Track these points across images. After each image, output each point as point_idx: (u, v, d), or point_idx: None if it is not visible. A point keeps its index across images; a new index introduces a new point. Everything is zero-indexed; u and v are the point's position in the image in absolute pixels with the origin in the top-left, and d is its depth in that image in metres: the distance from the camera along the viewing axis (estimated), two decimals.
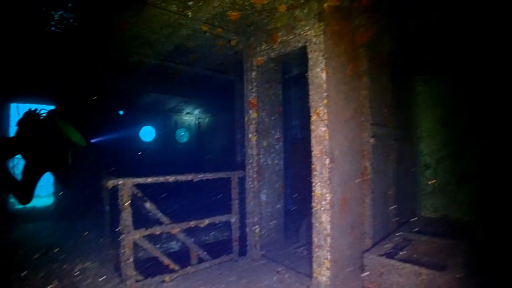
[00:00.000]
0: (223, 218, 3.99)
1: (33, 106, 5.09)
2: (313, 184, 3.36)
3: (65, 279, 3.57)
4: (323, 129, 3.17)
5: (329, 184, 3.26)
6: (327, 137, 3.17)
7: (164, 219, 3.59)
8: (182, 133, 9.74)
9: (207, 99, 8.51)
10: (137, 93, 7.73)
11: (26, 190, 4.34)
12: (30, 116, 4.95)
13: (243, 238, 4.32)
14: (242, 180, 4.36)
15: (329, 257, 3.31)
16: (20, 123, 4.84)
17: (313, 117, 3.27)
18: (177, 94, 7.87)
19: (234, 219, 4.11)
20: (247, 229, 4.27)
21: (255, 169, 4.27)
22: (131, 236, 3.13)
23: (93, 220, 6.32)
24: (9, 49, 4.59)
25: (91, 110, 6.39)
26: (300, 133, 6.76)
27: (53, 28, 3.89)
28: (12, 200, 5.65)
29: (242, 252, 4.30)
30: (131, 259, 3.13)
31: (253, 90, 4.31)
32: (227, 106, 8.30)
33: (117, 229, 3.22)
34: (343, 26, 3.39)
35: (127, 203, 3.12)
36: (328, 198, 3.26)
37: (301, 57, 3.74)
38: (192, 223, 3.61)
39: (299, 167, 6.20)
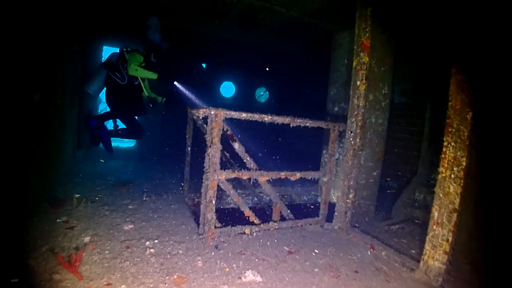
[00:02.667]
0: (315, 174, 3.39)
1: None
2: (445, 144, 2.55)
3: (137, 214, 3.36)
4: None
5: (468, 144, 2.42)
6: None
7: (252, 164, 3.10)
8: (262, 93, 9.17)
9: (294, 54, 7.71)
10: (222, 43, 7.31)
11: (135, 128, 5.09)
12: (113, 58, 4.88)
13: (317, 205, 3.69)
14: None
15: (450, 238, 2.54)
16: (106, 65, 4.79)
17: None
18: (264, 45, 7.24)
19: (327, 177, 3.48)
20: (339, 193, 3.61)
21: (359, 124, 3.52)
22: (217, 176, 2.69)
23: (172, 163, 6.27)
24: None
25: (174, 57, 6.06)
26: (398, 98, 5.72)
27: None
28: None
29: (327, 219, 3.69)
30: (213, 201, 2.72)
31: (367, 29, 3.48)
32: (313, 62, 7.50)
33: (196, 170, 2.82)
34: None
35: (216, 138, 2.66)
36: (464, 163, 2.44)
37: None
38: (283, 174, 3.07)
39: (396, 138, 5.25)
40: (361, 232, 3.51)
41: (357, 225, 3.78)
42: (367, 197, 4.10)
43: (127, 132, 5.20)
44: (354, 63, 3.69)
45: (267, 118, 2.91)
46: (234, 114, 2.74)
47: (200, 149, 4.72)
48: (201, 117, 2.71)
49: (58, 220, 2.98)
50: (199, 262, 2.46)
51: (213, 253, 2.63)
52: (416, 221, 4.17)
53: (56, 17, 3.46)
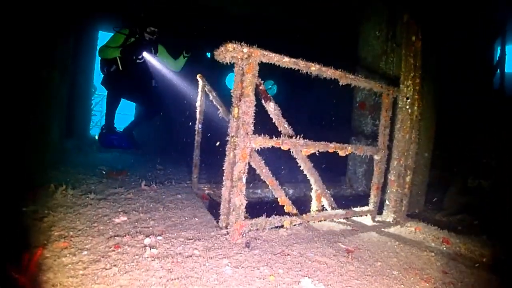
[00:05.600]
0: (368, 150, 2.51)
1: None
2: None
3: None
4: None
5: None
6: None
7: (291, 132, 2.21)
8: (270, 86, 8.24)
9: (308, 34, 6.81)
10: (229, 25, 6.46)
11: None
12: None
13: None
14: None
15: None
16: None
17: None
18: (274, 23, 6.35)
19: (380, 155, 2.59)
20: (391, 175, 2.73)
21: (417, 88, 2.67)
22: (249, 142, 1.79)
23: (175, 157, 5.37)
24: None
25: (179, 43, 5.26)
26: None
27: None
28: None
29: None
30: (243, 179, 1.82)
31: None
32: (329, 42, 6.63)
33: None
34: None
35: (250, 88, 1.78)
36: None
37: None
38: (332, 146, 2.18)
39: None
40: (424, 223, 2.62)
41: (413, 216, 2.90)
42: (418, 184, 3.22)
43: (142, 115, 5.04)
44: (405, 18, 2.85)
45: (314, 67, 2.04)
46: (274, 57, 1.86)
47: (212, 130, 4.02)
48: (227, 59, 1.82)
49: (23, 209, 2.06)
50: (227, 267, 1.55)
51: (244, 254, 1.71)
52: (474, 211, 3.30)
53: None
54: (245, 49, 1.77)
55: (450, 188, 3.51)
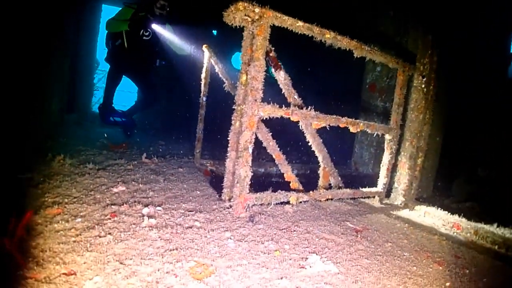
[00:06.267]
0: (380, 128, 2.36)
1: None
2: None
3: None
4: None
5: None
6: None
7: (301, 104, 2.07)
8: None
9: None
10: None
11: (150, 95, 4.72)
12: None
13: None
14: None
15: None
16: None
17: None
18: None
19: (392, 134, 2.45)
20: (402, 157, 2.59)
21: (434, 66, 2.51)
22: (257, 110, 1.66)
23: (177, 134, 5.25)
24: None
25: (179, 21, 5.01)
26: None
27: None
28: None
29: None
30: (249, 149, 1.69)
31: None
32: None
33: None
34: None
35: (261, 51, 1.62)
36: None
37: None
38: (344, 121, 2.04)
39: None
40: (434, 207, 2.50)
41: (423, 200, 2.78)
42: (427, 168, 3.09)
43: (139, 104, 4.90)
44: None
45: (328, 35, 1.87)
46: (287, 20, 1.70)
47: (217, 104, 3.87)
48: (237, 20, 1.66)
49: (19, 176, 1.95)
50: (229, 240, 1.44)
51: (248, 228, 1.61)
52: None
53: None
54: (257, 9, 1.61)
55: (459, 176, 3.38)
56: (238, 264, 1.26)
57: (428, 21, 3.04)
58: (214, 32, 7.33)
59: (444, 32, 2.90)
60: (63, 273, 1.05)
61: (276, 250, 1.41)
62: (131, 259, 1.18)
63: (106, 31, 4.42)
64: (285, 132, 3.22)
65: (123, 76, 4.62)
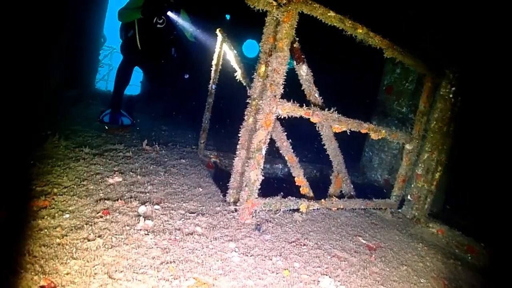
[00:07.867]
0: (401, 137, 2.17)
1: None
2: None
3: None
4: None
5: None
6: None
7: (321, 102, 1.88)
8: (290, 60, 7.71)
9: None
10: None
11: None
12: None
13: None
14: None
15: None
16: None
17: None
18: None
19: (413, 144, 2.27)
20: (419, 170, 2.42)
21: (464, 76, 2.31)
22: (276, 107, 1.47)
23: (183, 122, 5.07)
24: None
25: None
26: None
27: None
28: None
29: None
30: (263, 150, 1.51)
31: None
32: None
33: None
34: None
35: (286, 40, 1.43)
36: None
37: None
38: (366, 127, 1.84)
39: None
40: (447, 226, 2.34)
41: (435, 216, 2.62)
42: (441, 182, 2.92)
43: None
44: None
45: (361, 30, 1.67)
46: (318, 8, 1.50)
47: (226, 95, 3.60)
48: (261, 4, 1.46)
49: (5, 157, 1.78)
50: (233, 253, 1.28)
51: (255, 239, 1.45)
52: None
53: None
54: None
55: (471, 192, 3.22)
56: (243, 285, 1.10)
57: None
58: (227, 16, 7.05)
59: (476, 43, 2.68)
60: (41, 286, 0.89)
61: (285, 269, 1.25)
62: (121, 271, 1.02)
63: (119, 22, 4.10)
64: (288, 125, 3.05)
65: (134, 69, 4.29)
